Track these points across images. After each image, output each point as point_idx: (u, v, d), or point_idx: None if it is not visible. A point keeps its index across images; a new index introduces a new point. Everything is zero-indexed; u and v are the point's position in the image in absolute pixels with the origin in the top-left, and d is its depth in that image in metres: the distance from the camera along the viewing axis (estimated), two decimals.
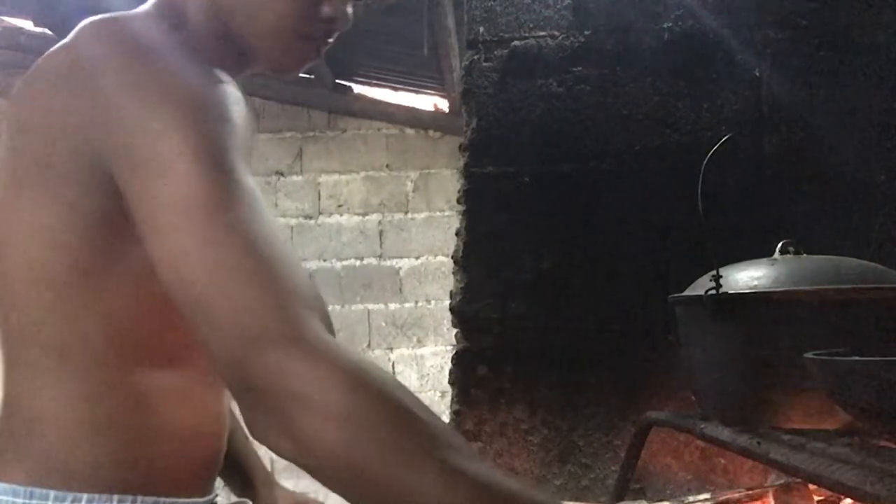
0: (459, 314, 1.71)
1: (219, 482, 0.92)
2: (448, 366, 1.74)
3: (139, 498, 0.76)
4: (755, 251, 1.25)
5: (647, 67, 1.71)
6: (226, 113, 0.63)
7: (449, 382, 1.72)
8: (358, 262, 3.77)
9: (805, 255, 1.20)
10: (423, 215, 3.80)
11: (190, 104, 0.61)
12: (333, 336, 0.58)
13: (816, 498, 1.22)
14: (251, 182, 0.62)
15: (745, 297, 1.10)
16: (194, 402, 0.78)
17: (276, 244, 0.59)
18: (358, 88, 3.78)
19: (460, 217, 1.74)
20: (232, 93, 0.67)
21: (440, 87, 3.60)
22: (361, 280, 3.76)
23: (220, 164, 0.59)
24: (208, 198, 0.57)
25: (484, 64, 1.74)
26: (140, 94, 0.61)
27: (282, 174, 3.79)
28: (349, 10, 0.77)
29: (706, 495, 1.38)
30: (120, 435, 0.73)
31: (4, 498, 0.67)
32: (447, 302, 1.79)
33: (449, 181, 3.73)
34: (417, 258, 3.77)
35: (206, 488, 0.84)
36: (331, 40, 0.79)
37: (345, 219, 3.79)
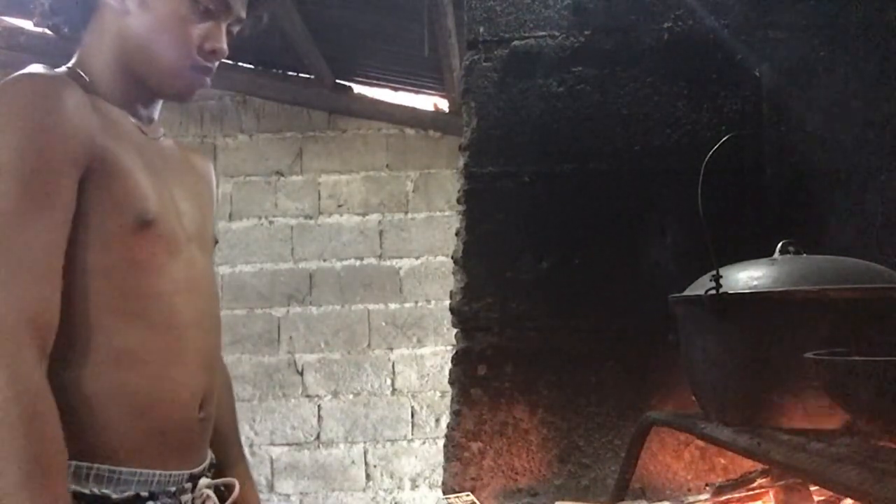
0: (459, 314, 1.70)
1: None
2: (448, 366, 1.74)
3: (95, 466, 0.78)
4: (755, 251, 1.25)
5: (647, 67, 1.71)
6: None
7: (449, 382, 1.71)
8: (358, 262, 3.77)
9: (805, 255, 1.20)
10: (423, 215, 3.79)
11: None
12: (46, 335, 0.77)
13: (816, 498, 1.22)
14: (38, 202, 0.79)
15: (745, 297, 1.10)
16: (149, 367, 0.84)
17: (23, 267, 0.77)
18: (358, 88, 3.78)
19: (460, 217, 1.74)
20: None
21: (440, 87, 3.60)
22: (361, 280, 3.75)
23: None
24: None
25: (484, 64, 1.74)
26: None
27: (282, 174, 3.78)
28: (225, 44, 0.96)
29: (706, 495, 1.38)
30: (73, 401, 0.79)
31: None
32: (447, 302, 1.79)
33: (449, 181, 3.73)
34: (417, 258, 3.77)
35: (177, 461, 0.86)
36: (214, 67, 0.98)
37: (345, 219, 3.78)
